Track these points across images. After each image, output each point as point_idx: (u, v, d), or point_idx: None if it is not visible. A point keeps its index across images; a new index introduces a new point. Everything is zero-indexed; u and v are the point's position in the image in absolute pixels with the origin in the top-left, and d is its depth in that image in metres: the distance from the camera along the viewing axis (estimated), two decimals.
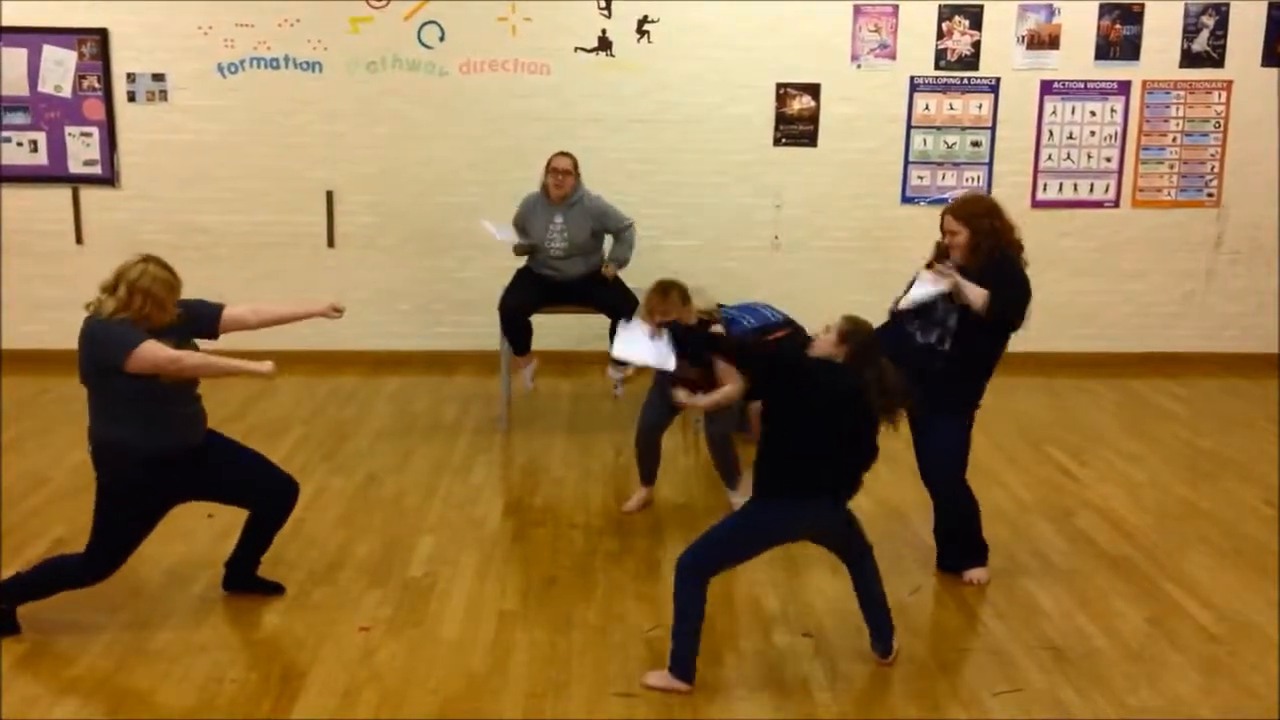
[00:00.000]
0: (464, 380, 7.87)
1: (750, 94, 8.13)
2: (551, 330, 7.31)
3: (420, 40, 8.00)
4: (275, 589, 4.67)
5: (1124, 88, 8.26)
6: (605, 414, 7.16)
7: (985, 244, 4.62)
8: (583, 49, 8.05)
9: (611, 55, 8.06)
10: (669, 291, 5.22)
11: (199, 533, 5.21)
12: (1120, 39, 8.18)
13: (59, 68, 7.95)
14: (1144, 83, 8.26)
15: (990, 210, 4.67)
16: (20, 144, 8.01)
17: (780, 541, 4.05)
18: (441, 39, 8.00)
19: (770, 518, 3.91)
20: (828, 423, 3.83)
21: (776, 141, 8.20)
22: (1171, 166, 8.38)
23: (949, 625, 4.46)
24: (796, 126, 8.20)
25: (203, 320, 4.58)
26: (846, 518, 4.07)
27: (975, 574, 4.81)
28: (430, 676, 4.01)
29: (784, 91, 8.16)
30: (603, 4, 7.98)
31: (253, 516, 4.60)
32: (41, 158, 8.03)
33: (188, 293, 4.63)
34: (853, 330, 3.94)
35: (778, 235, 8.18)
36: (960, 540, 4.85)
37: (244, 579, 4.67)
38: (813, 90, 8.16)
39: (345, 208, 8.20)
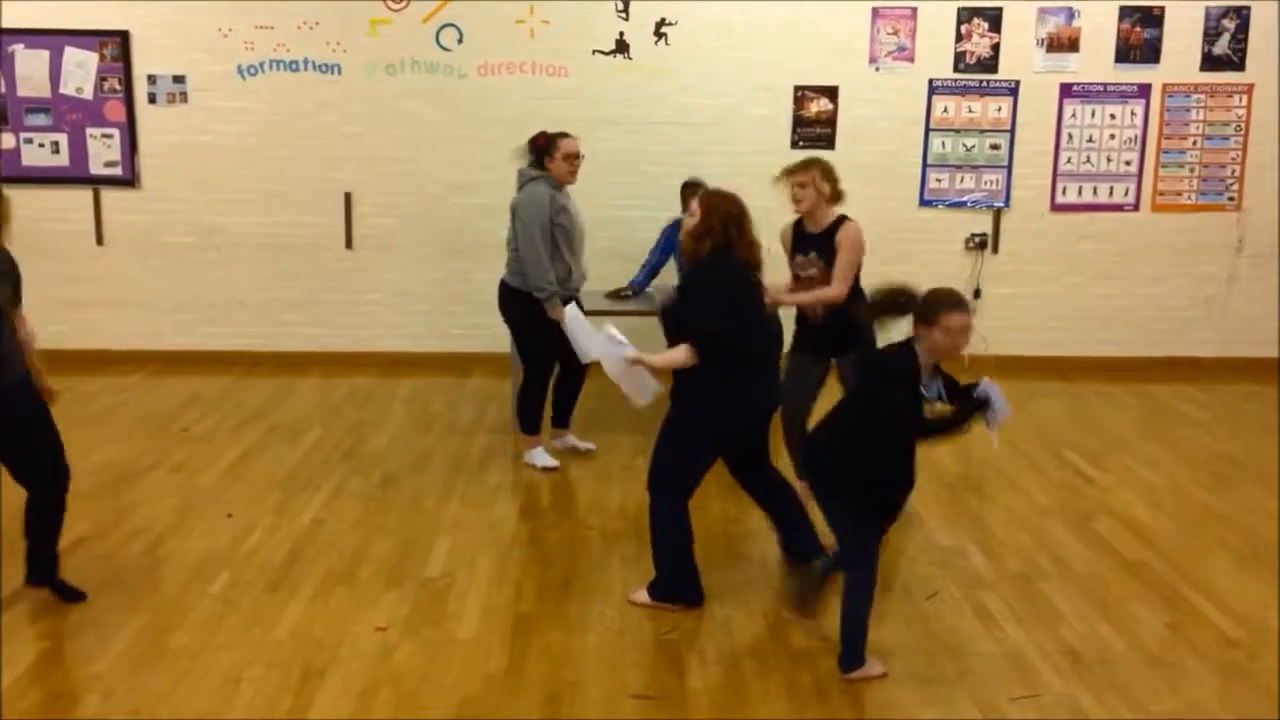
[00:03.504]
0: (480, 381, 7.89)
1: (768, 96, 8.14)
2: None
3: (439, 43, 8.02)
4: (75, 596, 4.50)
5: (1144, 91, 8.22)
6: (622, 415, 7.16)
7: (709, 239, 4.37)
8: (600, 51, 8.06)
9: (629, 58, 8.08)
10: (810, 165, 5.23)
11: (219, 532, 5.24)
12: (1141, 42, 8.15)
13: (80, 69, 8.00)
14: (1164, 86, 8.23)
15: (730, 215, 4.40)
16: (42, 145, 8.07)
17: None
18: (460, 41, 8.02)
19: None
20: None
21: (794, 144, 8.20)
22: (1192, 170, 8.34)
23: (966, 630, 4.44)
24: (814, 129, 8.19)
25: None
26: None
27: (637, 596, 4.63)
28: (447, 677, 4.01)
29: (802, 94, 8.15)
30: (620, 7, 8.00)
31: (28, 499, 4.46)
32: (63, 159, 8.09)
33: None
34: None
35: None
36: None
37: (42, 574, 4.52)
38: (830, 93, 8.15)
39: (363, 209, 8.23)
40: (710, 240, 4.40)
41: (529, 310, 6.01)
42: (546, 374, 6.23)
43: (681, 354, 4.29)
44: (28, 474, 4.39)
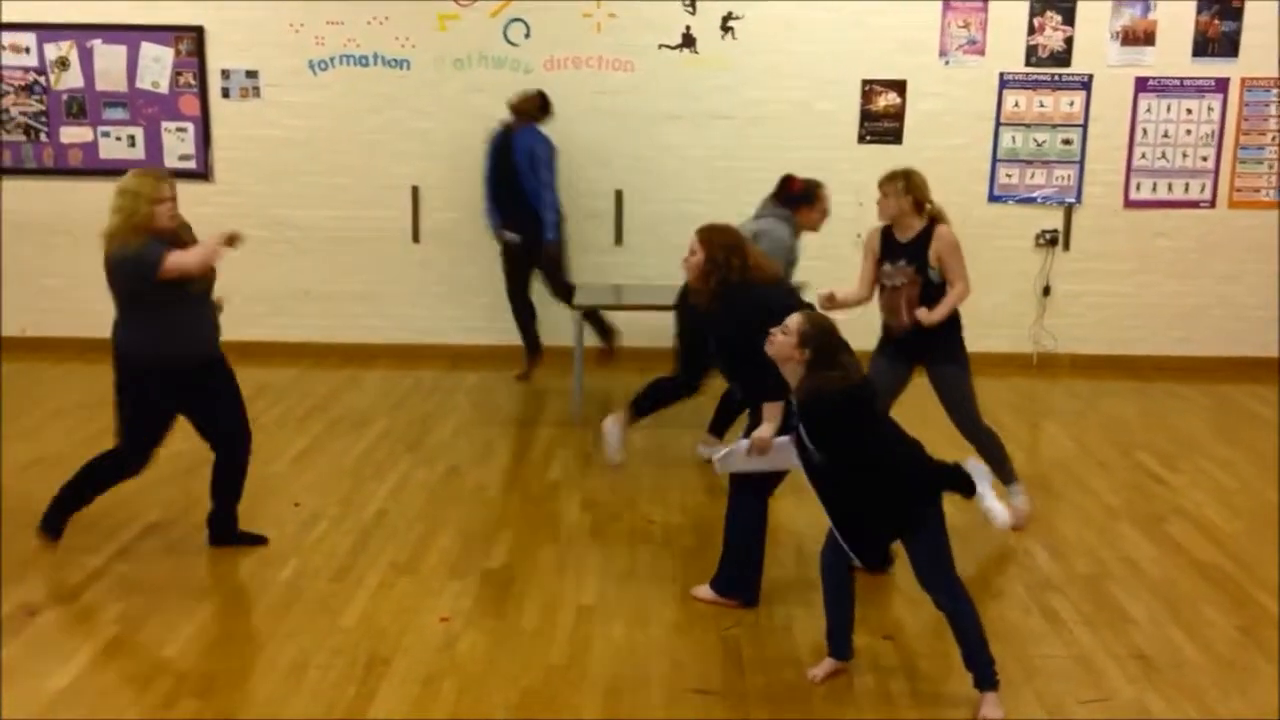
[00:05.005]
0: (541, 374, 7.91)
1: (835, 90, 8.07)
2: (632, 328, 7.35)
3: (506, 37, 8.06)
4: (258, 540, 5.01)
5: (1222, 85, 8.04)
6: (683, 409, 7.14)
7: (715, 275, 4.47)
8: (667, 46, 8.05)
9: (695, 52, 8.06)
10: (895, 177, 5.14)
11: (286, 520, 5.32)
12: (1219, 35, 7.97)
13: (156, 64, 8.16)
14: (1243, 80, 8.04)
15: (730, 245, 4.52)
16: (119, 139, 8.24)
17: None
18: (527, 36, 8.06)
19: None
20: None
21: (861, 138, 8.13)
22: (1270, 166, 8.14)
23: (1035, 632, 4.38)
24: (882, 123, 8.11)
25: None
26: None
27: (699, 591, 4.65)
28: (509, 668, 4.04)
29: (869, 88, 8.08)
30: (687, 1, 7.98)
31: (215, 461, 4.96)
32: (139, 152, 8.25)
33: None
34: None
35: (860, 234, 8.05)
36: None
37: (225, 533, 4.99)
38: (899, 87, 8.06)
39: (430, 204, 8.30)
40: (717, 274, 4.49)
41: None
42: (692, 385, 6.05)
43: (776, 411, 4.22)
44: (218, 437, 4.91)
